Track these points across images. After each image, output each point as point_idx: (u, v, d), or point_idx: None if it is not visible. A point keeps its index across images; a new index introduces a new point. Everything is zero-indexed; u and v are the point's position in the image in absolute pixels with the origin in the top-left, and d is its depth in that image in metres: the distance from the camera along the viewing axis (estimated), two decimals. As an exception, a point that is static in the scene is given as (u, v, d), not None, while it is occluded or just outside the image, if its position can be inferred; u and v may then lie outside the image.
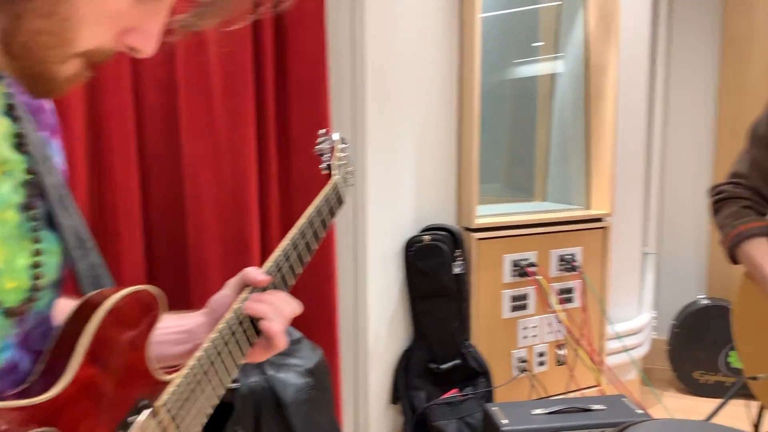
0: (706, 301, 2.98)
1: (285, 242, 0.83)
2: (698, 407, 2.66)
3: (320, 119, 1.94)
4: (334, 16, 2.03)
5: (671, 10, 3.16)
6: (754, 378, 1.41)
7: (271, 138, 1.88)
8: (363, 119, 2.11)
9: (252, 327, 0.77)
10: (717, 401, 2.14)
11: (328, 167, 0.99)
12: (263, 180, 1.87)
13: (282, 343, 0.77)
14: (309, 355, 1.47)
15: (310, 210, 0.88)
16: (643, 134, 2.93)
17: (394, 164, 2.23)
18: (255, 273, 0.78)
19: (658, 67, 3.12)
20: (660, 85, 3.15)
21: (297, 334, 1.53)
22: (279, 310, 0.77)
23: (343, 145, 1.07)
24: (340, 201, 0.96)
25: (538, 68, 2.96)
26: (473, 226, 2.37)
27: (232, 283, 0.80)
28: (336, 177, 0.97)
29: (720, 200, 1.47)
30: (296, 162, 1.96)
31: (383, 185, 2.20)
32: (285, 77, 1.93)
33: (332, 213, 0.93)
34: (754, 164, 1.42)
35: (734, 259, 1.43)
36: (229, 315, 0.75)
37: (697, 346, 2.95)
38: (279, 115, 1.92)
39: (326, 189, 0.93)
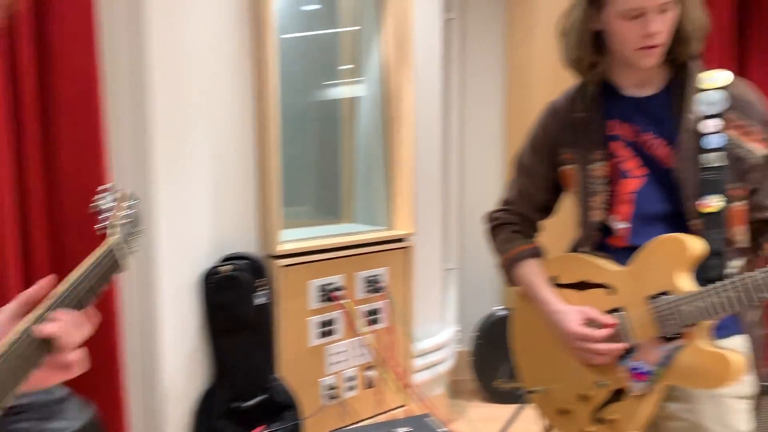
0: (502, 312, 3.18)
1: (36, 313, 0.72)
2: (499, 415, 2.80)
3: (94, 143, 1.74)
4: (109, 31, 1.85)
5: (463, 40, 3.36)
6: (531, 392, 1.49)
7: (34, 164, 1.65)
8: (148, 143, 1.94)
9: (42, 346, 0.71)
10: (515, 407, 2.28)
11: (106, 227, 0.86)
12: (24, 214, 1.63)
13: (76, 367, 0.74)
14: (76, 416, 1.29)
15: (76, 275, 0.77)
16: (440, 156, 3.06)
17: (188, 192, 2.08)
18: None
19: (453, 92, 3.29)
20: (455, 109, 3.32)
21: (61, 391, 1.33)
22: (71, 331, 0.74)
23: (130, 201, 0.93)
24: (116, 266, 0.84)
25: (342, 91, 2.98)
26: (277, 253, 2.29)
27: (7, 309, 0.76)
28: (114, 238, 0.85)
29: (494, 226, 1.55)
30: (67, 193, 1.74)
31: (175, 214, 2.04)
32: (51, 97, 1.71)
33: (105, 279, 0.82)
34: (521, 192, 1.52)
35: (511, 282, 1.51)
36: (13, 336, 0.68)
37: (496, 356, 3.12)
38: (43, 138, 1.70)
39: (99, 251, 0.82)
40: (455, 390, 3.16)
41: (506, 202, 1.55)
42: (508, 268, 1.50)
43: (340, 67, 2.95)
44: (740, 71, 2.99)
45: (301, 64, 2.84)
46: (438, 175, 3.05)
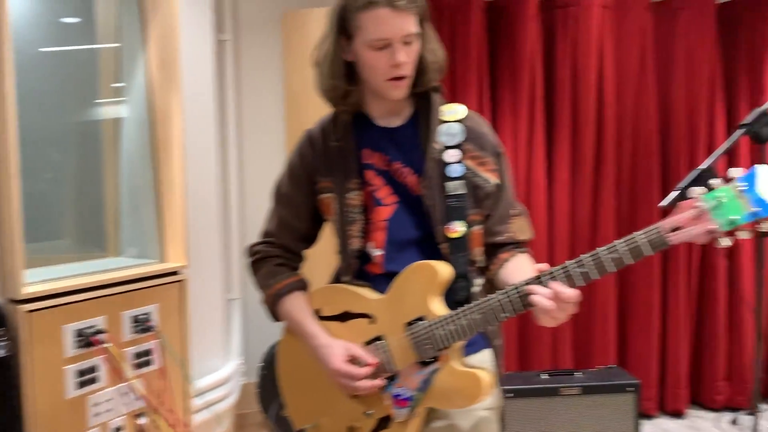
0: (288, 339, 3.12)
1: None
2: (286, 445, 2.74)
3: None
4: None
5: (238, 63, 3.28)
6: (302, 430, 1.45)
7: None
8: None
9: None
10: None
11: None
12: None
13: None
14: None
15: None
16: (216, 182, 2.93)
17: None
18: None
19: (229, 116, 3.19)
20: (232, 133, 3.21)
21: None
22: None
23: None
24: None
25: (104, 112, 2.73)
26: (20, 297, 1.99)
27: None
28: None
29: (256, 260, 1.49)
30: None
31: None
32: None
33: None
34: (281, 222, 1.48)
35: (276, 317, 1.46)
36: None
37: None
38: None
39: None
40: (241, 424, 3.03)
41: (267, 234, 1.50)
42: (272, 303, 1.44)
43: (103, 86, 2.70)
44: (493, 111, 3.29)
45: (59, 81, 2.55)
46: (215, 202, 2.92)
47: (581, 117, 3.29)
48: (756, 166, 1.09)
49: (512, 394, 2.52)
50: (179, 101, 2.55)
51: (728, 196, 1.08)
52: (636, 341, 3.38)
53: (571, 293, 1.15)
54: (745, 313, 3.36)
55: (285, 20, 3.25)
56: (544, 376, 2.65)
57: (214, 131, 2.90)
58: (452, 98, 3.21)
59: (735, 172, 1.09)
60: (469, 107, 3.44)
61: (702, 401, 3.47)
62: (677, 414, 3.39)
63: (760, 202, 1.06)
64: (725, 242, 1.10)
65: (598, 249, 1.16)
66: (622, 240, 1.14)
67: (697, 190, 1.11)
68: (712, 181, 1.11)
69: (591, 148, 3.30)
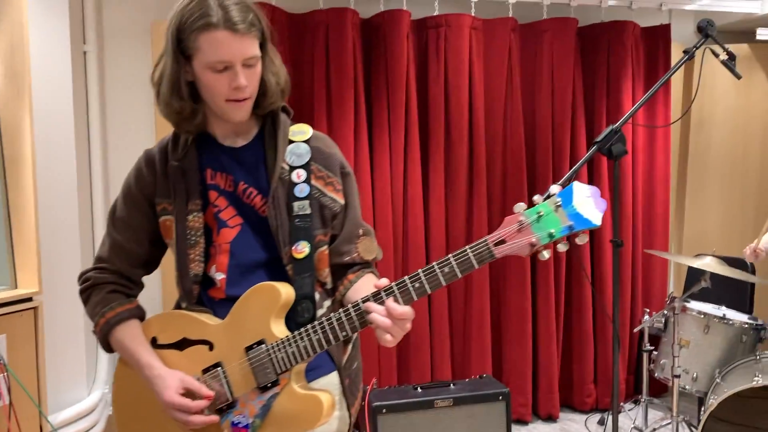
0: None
1: None
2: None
3: None
4: None
5: (102, 76, 3.12)
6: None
7: None
8: None
9: None
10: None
11: None
12: None
13: None
14: None
15: None
16: (78, 201, 2.77)
17: None
18: None
19: (93, 131, 3.02)
20: (97, 149, 3.05)
21: None
22: None
23: None
24: None
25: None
26: None
27: None
28: None
29: (87, 288, 1.41)
30: None
31: None
32: None
33: None
34: (115, 247, 1.40)
35: (108, 348, 1.38)
36: None
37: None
38: None
39: None
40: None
41: (100, 260, 1.41)
42: (104, 333, 1.36)
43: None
44: (369, 127, 3.31)
45: None
46: (77, 223, 2.76)
47: (454, 134, 3.38)
48: (574, 183, 1.14)
49: (384, 410, 2.52)
50: (30, 116, 2.39)
51: (546, 211, 1.12)
52: (510, 350, 3.49)
53: (402, 310, 1.15)
54: (607, 320, 3.56)
55: (154, 30, 3.13)
56: (419, 390, 2.68)
57: (74, 148, 2.74)
58: (328, 115, 3.23)
59: (554, 188, 1.14)
60: (345, 123, 3.44)
61: (573, 404, 3.63)
62: (551, 418, 3.53)
63: (575, 216, 1.11)
64: (546, 254, 1.14)
65: (434, 263, 1.17)
66: (453, 254, 1.16)
67: (520, 206, 1.15)
68: (534, 197, 1.15)
69: (464, 164, 3.39)
